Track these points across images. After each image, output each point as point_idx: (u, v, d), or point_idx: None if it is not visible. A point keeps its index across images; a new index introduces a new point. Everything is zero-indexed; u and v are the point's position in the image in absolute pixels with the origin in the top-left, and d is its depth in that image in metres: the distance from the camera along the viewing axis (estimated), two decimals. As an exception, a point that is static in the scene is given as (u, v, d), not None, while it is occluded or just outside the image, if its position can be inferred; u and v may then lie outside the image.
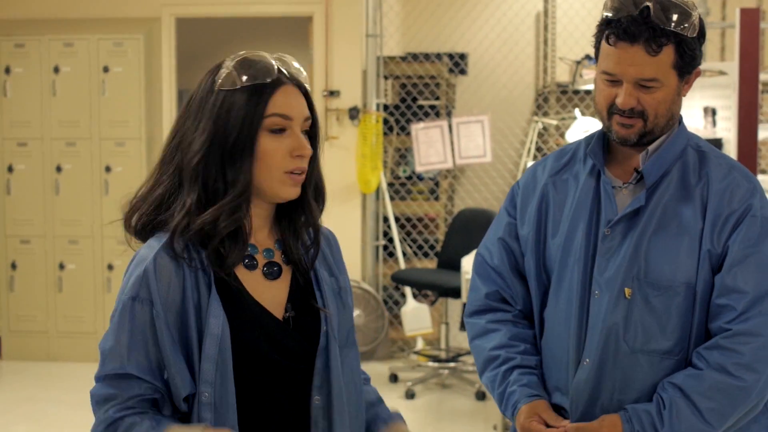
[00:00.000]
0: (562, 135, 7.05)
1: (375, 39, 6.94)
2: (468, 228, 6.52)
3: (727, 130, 4.98)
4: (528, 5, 7.94)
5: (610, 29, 2.07)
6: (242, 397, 1.75)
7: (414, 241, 7.21)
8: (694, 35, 2.06)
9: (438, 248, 7.08)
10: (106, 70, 6.72)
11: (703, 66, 5.49)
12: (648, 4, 2.03)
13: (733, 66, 4.65)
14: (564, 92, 7.69)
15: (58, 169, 6.78)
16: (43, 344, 6.85)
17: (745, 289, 2.06)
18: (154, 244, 1.76)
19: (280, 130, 1.77)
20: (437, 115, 7.20)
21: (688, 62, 2.09)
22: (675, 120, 2.16)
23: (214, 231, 1.74)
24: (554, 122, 6.80)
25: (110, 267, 6.77)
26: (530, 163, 6.19)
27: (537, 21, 8.39)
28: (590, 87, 6.07)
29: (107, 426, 1.72)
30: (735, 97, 4.58)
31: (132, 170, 6.75)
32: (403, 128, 7.10)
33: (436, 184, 7.30)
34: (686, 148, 2.17)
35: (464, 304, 5.95)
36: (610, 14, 2.06)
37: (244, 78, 1.75)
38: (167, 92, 7.09)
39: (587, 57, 6.30)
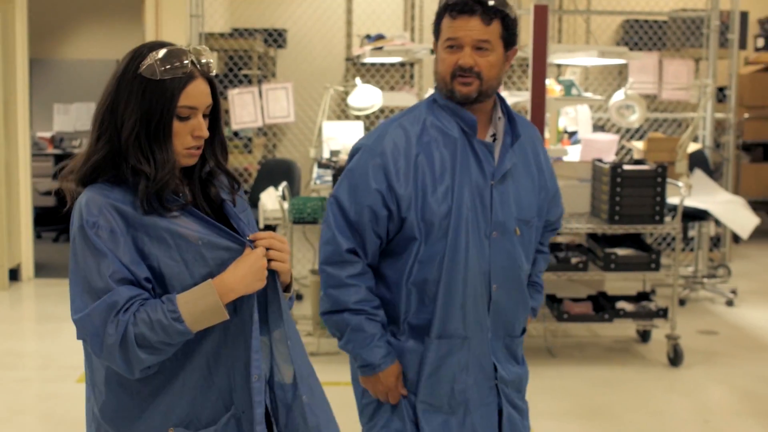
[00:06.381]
0: (344, 99, 7.96)
1: (198, 18, 7.63)
2: (271, 174, 7.50)
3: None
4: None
5: (450, 8, 2.43)
6: None
7: (232, 188, 8.22)
8: (515, 17, 2.46)
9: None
10: (-35, 43, 7.33)
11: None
12: None
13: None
14: (354, 64, 8.88)
15: None
16: None
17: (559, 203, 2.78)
18: (97, 189, 1.98)
19: (186, 117, 2.00)
20: (257, 82, 8.06)
21: (511, 35, 2.47)
22: (499, 86, 2.51)
23: (163, 191, 1.98)
24: (341, 89, 7.80)
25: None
26: (324, 122, 6.96)
27: (348, 1, 9.48)
28: (371, 60, 6.98)
29: (125, 328, 1.88)
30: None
31: (-11, 128, 7.41)
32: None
33: (249, 140, 8.29)
34: (510, 113, 2.59)
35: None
36: (450, 2, 2.45)
37: (163, 70, 1.94)
38: (21, 61, 7.82)
39: (367, 36, 7.38)
